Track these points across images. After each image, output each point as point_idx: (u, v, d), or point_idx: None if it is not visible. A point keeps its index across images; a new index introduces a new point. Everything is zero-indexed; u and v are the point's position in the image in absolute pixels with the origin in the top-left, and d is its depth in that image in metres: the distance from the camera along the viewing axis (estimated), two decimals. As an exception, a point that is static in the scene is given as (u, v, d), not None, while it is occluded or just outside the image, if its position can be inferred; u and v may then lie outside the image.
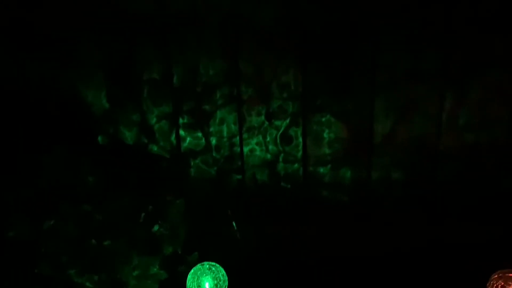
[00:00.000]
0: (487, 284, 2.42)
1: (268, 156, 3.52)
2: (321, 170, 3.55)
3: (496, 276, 2.40)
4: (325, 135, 3.44)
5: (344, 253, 3.31)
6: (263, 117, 3.43)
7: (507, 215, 3.42)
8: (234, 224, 3.26)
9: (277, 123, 3.44)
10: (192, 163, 3.51)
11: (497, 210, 3.45)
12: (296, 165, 3.54)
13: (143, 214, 2.89)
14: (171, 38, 3.23)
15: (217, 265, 2.52)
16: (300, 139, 3.47)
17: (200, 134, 3.45)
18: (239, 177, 3.56)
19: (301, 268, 3.19)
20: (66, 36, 3.18)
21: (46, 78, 3.28)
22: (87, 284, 2.50)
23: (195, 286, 2.42)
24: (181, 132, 3.43)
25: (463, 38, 3.18)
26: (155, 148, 3.47)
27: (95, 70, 3.30)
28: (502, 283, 2.34)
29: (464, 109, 3.35)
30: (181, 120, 3.41)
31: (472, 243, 3.24)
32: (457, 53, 3.22)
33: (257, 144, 3.49)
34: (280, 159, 3.53)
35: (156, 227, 2.89)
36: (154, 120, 3.42)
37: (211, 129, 3.44)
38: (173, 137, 3.44)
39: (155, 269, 2.74)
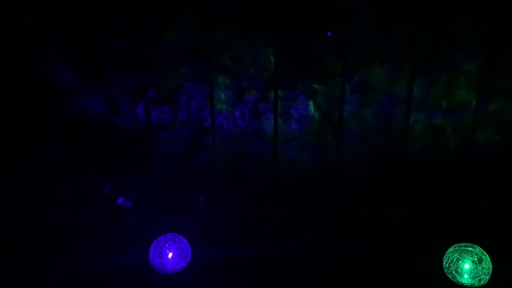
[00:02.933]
0: (443, 257, 2.49)
1: (237, 131, 3.51)
2: (289, 147, 3.56)
3: (452, 249, 2.46)
4: (294, 112, 3.44)
5: (312, 233, 3.33)
6: (232, 92, 3.40)
7: (466, 194, 3.53)
8: (201, 198, 3.25)
9: (247, 98, 3.42)
10: (159, 138, 3.46)
11: (458, 189, 3.56)
12: (264, 141, 3.54)
13: (107, 187, 2.84)
14: (139, 11, 3.14)
15: (180, 236, 2.50)
16: (269, 115, 3.46)
17: (167, 108, 3.39)
18: (208, 152, 3.54)
19: (266, 246, 3.19)
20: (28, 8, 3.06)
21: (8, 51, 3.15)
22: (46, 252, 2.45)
23: (157, 257, 2.40)
24: (148, 106, 3.36)
25: (431, 21, 3.22)
26: (121, 121, 3.39)
27: (59, 42, 3.18)
28: (457, 256, 2.41)
29: (431, 91, 3.41)
30: (148, 94, 3.34)
31: (430, 219, 3.34)
32: (425, 36, 3.27)
33: (225, 119, 3.46)
34: (248, 134, 3.51)
35: (120, 200, 2.85)
36: (120, 93, 3.33)
37: (180, 103, 3.39)
38: (139, 111, 3.37)
39: (120, 240, 2.70)
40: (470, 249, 2.40)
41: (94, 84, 3.28)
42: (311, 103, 3.44)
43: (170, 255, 2.43)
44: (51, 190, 3.07)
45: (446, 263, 2.45)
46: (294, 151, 3.58)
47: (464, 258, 2.38)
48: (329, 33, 3.16)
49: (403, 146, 3.53)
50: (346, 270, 2.72)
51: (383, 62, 3.35)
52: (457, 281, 2.42)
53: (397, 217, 3.43)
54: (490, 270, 2.38)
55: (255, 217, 3.45)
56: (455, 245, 2.46)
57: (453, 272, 2.41)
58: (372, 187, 3.62)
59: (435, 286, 2.49)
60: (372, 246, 3.01)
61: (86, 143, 3.30)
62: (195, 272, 2.57)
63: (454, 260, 2.40)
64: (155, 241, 2.44)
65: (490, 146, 3.51)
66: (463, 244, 2.45)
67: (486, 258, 2.38)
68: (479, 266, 2.36)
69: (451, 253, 2.43)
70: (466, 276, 2.40)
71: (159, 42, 3.22)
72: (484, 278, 2.38)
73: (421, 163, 3.59)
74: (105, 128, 3.36)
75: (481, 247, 2.45)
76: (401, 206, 3.54)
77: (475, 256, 2.37)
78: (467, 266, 2.38)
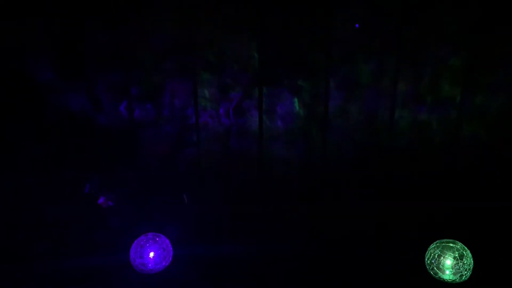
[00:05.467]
0: (425, 253, 2.48)
1: (221, 129, 3.48)
2: (275, 144, 3.54)
3: (434, 246, 2.46)
4: (278, 108, 3.42)
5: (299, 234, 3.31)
6: (216, 89, 3.37)
7: (449, 189, 3.54)
8: (184, 196, 3.22)
9: (231, 95, 3.39)
10: (143, 136, 3.42)
11: (440, 184, 3.56)
12: (249, 138, 3.51)
13: (88, 186, 2.81)
14: (121, 7, 3.10)
15: (161, 235, 2.48)
16: (253, 112, 3.44)
17: (151, 106, 3.36)
18: (192, 150, 3.51)
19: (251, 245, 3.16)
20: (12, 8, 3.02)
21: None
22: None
23: (137, 257, 2.38)
24: (131, 104, 3.33)
25: (416, 15, 3.21)
26: (103, 119, 3.36)
27: (42, 41, 3.13)
28: (439, 252, 2.41)
29: (416, 85, 3.40)
30: (130, 91, 3.30)
31: (414, 215, 3.34)
32: (411, 30, 3.25)
33: (210, 116, 3.44)
34: (233, 131, 3.49)
35: (101, 200, 2.82)
36: (102, 91, 3.29)
37: (163, 100, 3.35)
38: (122, 109, 3.34)
39: (101, 239, 2.68)
40: (451, 245, 2.40)
41: (76, 81, 3.24)
42: (295, 99, 3.42)
43: (152, 254, 2.41)
44: (32, 188, 3.04)
45: (428, 259, 2.45)
46: (280, 148, 3.56)
47: (446, 254, 2.37)
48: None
49: (389, 141, 3.51)
50: (331, 267, 2.71)
51: (368, 57, 3.33)
52: (439, 277, 2.42)
53: (384, 212, 3.44)
54: (471, 266, 2.38)
55: (240, 215, 3.44)
56: (436, 241, 2.46)
57: (435, 268, 2.41)
58: (359, 183, 3.62)
59: (418, 281, 2.49)
60: (356, 241, 3.01)
61: (68, 141, 3.27)
62: (178, 271, 2.56)
63: (436, 256, 2.39)
64: (135, 241, 2.42)
65: (476, 140, 3.50)
66: (445, 240, 2.44)
67: (467, 254, 2.38)
68: (460, 262, 2.36)
69: (432, 249, 2.43)
70: (447, 272, 2.39)
71: (141, 38, 3.19)
72: (466, 274, 2.38)
73: (407, 158, 3.58)
74: (87, 126, 3.32)
75: (465, 243, 2.45)
76: (387, 202, 3.55)
77: (456, 252, 2.37)
78: (448, 262, 2.38)
